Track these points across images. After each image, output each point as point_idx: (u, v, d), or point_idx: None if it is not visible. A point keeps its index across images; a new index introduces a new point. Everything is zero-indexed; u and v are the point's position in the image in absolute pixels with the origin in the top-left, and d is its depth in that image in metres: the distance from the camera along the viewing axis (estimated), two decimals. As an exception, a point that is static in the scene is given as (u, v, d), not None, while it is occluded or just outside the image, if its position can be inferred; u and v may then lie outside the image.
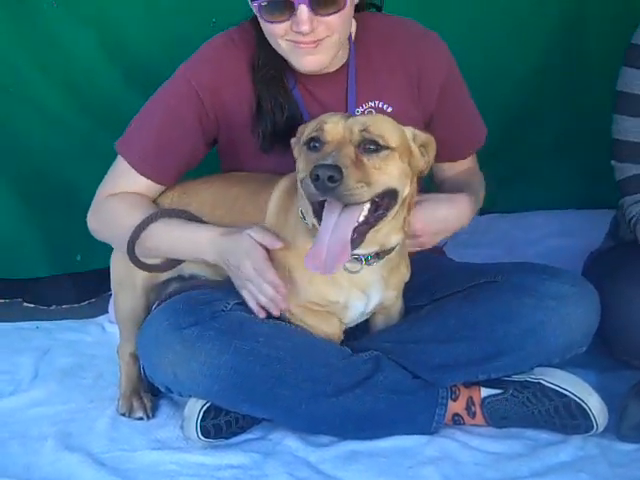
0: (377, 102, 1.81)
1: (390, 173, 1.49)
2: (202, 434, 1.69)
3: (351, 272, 1.59)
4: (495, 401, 1.68)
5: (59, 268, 2.69)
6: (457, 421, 1.71)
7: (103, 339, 2.37)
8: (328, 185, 1.37)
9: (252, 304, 1.64)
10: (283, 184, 1.72)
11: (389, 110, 1.80)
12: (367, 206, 1.47)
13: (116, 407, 1.89)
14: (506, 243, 2.71)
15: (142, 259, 1.78)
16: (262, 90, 1.77)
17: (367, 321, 1.81)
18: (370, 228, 1.50)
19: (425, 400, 1.69)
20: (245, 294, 1.65)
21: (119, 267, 1.90)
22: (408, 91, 1.82)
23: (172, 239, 1.74)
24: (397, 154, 1.51)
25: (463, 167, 1.97)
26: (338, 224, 1.45)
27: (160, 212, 1.78)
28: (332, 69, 1.78)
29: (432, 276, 1.84)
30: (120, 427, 1.83)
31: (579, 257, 2.23)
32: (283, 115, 1.75)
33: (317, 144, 1.50)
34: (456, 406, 1.70)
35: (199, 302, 1.66)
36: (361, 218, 1.47)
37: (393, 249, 1.61)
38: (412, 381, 1.69)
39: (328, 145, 1.48)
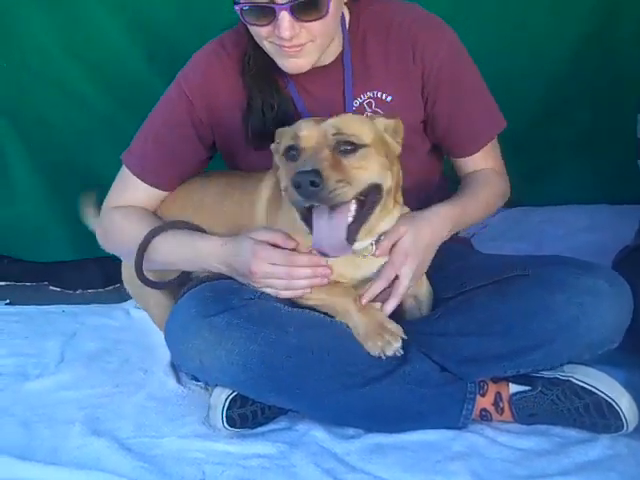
0: (375, 92, 1.78)
1: (370, 169, 1.53)
2: (228, 423, 1.69)
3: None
4: (524, 398, 1.66)
5: (85, 252, 2.70)
6: (485, 416, 1.69)
7: (128, 324, 2.40)
8: (311, 190, 1.42)
9: (284, 294, 1.64)
10: (268, 183, 1.74)
11: (388, 99, 1.78)
12: (353, 206, 1.52)
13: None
14: (535, 237, 2.68)
15: (151, 278, 1.81)
16: (252, 88, 1.77)
17: (396, 312, 1.80)
18: (361, 225, 1.54)
19: (453, 394, 1.67)
20: (270, 291, 1.65)
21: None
22: (407, 78, 1.78)
23: (176, 252, 1.76)
24: (373, 149, 1.54)
25: (479, 165, 1.88)
26: (330, 227, 1.49)
27: (163, 225, 1.78)
28: (326, 62, 1.77)
29: (461, 267, 1.81)
30: (147, 413, 1.83)
31: (608, 253, 2.18)
32: (273, 112, 1.75)
33: (295, 152, 1.53)
34: (484, 401, 1.69)
35: (227, 290, 1.66)
36: (350, 218, 1.51)
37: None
38: (440, 374, 1.68)
39: (305, 152, 1.50)
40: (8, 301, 2.62)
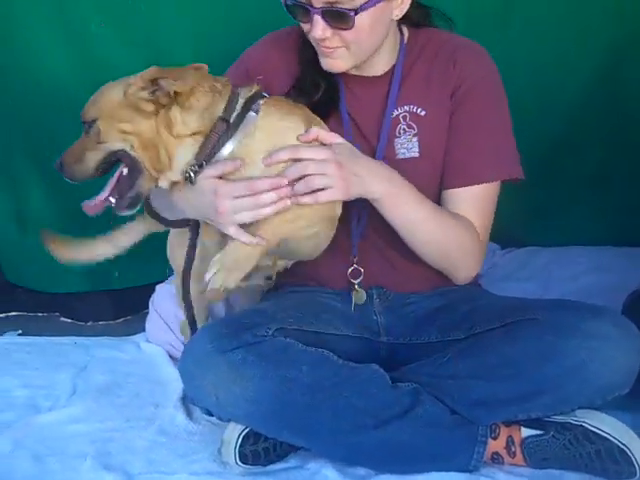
0: (412, 106, 1.83)
1: (101, 140, 1.62)
2: (240, 460, 1.69)
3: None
4: (536, 442, 1.66)
5: (97, 284, 2.72)
6: (496, 460, 1.69)
7: (139, 357, 2.40)
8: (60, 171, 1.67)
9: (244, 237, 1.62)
10: None
11: (422, 114, 1.82)
12: (124, 171, 1.64)
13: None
14: (542, 278, 2.68)
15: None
16: (306, 68, 1.83)
17: (403, 354, 1.82)
18: (128, 185, 1.64)
19: (464, 437, 1.68)
20: (233, 230, 1.62)
21: None
22: (443, 97, 1.82)
23: (161, 201, 1.80)
24: (101, 122, 1.62)
25: (459, 207, 1.80)
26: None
27: None
28: (377, 74, 1.84)
29: (470, 309, 1.82)
30: (158, 449, 1.84)
31: (617, 295, 2.20)
32: (318, 93, 1.81)
33: None
34: (496, 445, 1.68)
35: (241, 326, 1.67)
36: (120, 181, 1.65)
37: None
38: (452, 417, 1.68)
39: None
40: (20, 332, 2.63)
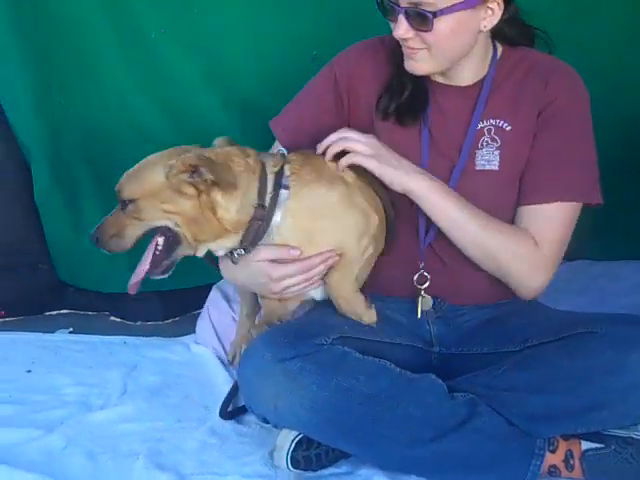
0: (498, 121, 1.81)
1: (145, 219, 1.68)
2: (292, 465, 1.69)
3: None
4: (596, 455, 1.63)
5: (147, 285, 2.73)
6: (553, 473, 1.66)
7: (189, 359, 2.41)
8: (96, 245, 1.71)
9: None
10: None
11: (508, 129, 1.81)
12: (161, 239, 1.70)
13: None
14: (594, 292, 2.64)
15: None
16: (398, 72, 1.84)
17: (455, 364, 1.81)
18: (165, 256, 1.71)
19: (521, 450, 1.65)
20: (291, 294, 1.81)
21: None
22: (531, 118, 1.81)
23: None
24: (143, 202, 1.66)
25: (528, 222, 1.79)
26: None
27: None
28: (464, 84, 1.84)
29: (524, 321, 1.81)
30: (209, 450, 1.84)
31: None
32: (403, 96, 1.83)
33: None
34: (554, 458, 1.66)
35: (299, 335, 1.68)
36: (157, 252, 1.72)
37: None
38: (508, 428, 1.66)
39: None
40: (71, 329, 2.67)
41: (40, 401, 2.09)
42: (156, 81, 2.61)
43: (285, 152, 1.80)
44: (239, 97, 2.65)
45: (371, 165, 1.72)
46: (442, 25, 1.66)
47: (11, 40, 2.56)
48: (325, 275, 1.78)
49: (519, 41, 1.86)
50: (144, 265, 1.73)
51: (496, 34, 1.83)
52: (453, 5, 1.64)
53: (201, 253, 1.75)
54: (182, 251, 1.72)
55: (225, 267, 1.84)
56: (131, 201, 1.68)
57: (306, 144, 1.85)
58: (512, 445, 1.65)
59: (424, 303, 1.85)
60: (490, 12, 1.71)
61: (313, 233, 1.75)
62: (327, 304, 1.92)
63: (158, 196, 1.67)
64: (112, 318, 2.79)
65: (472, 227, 1.75)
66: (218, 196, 1.67)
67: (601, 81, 2.61)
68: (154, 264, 1.73)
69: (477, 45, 1.78)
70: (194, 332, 2.52)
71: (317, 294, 1.87)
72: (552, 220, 1.78)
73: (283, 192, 1.73)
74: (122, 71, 2.59)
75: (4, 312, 2.77)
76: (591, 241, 2.67)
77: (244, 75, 2.64)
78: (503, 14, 1.73)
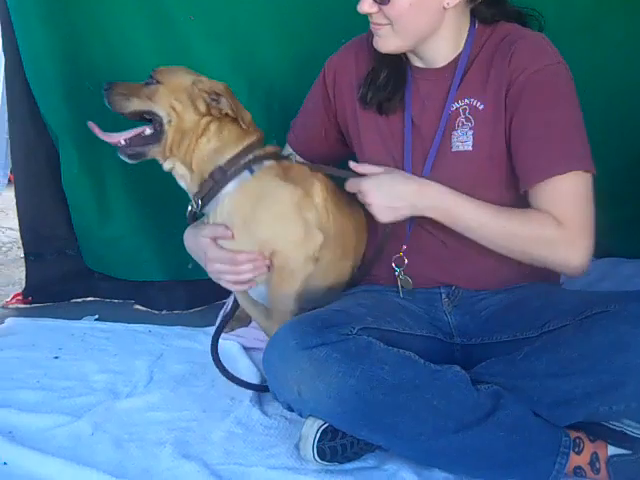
0: (472, 99, 1.82)
1: (152, 99, 1.89)
2: (318, 455, 1.70)
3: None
4: (622, 461, 1.62)
5: (171, 274, 2.76)
6: (578, 473, 1.65)
7: (213, 349, 2.41)
8: (104, 93, 1.91)
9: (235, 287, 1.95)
10: None
11: (481, 107, 1.81)
12: (147, 130, 1.92)
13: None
14: (626, 289, 2.60)
15: None
16: (381, 62, 1.89)
17: (477, 355, 1.80)
18: (142, 143, 1.92)
19: (547, 445, 1.64)
20: (223, 283, 1.94)
21: None
22: (500, 95, 1.79)
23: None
24: (163, 88, 1.89)
25: (540, 203, 1.76)
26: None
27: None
28: (439, 65, 1.85)
29: (542, 306, 1.78)
30: (235, 440, 1.85)
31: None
32: (387, 84, 1.88)
33: None
34: (579, 459, 1.65)
35: (325, 324, 1.68)
36: (140, 135, 1.92)
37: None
38: (533, 421, 1.65)
39: None
40: (97, 316, 2.69)
41: (68, 387, 2.11)
42: (185, 65, 2.60)
43: (295, 156, 2.01)
44: (265, 84, 2.66)
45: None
46: (400, 2, 1.71)
47: (39, 26, 2.58)
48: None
49: (498, 19, 1.85)
50: (123, 136, 1.93)
51: (475, 13, 1.83)
52: None
53: (167, 166, 1.96)
54: (154, 151, 1.93)
55: (186, 235, 2.03)
56: (157, 82, 1.90)
57: (318, 148, 2.07)
58: (537, 440, 1.64)
59: (404, 282, 1.90)
60: None
61: (250, 222, 1.89)
62: (348, 295, 1.95)
63: (176, 93, 1.89)
64: (137, 307, 2.80)
65: (492, 230, 1.77)
66: (214, 126, 1.91)
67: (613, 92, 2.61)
68: (130, 141, 1.93)
69: (445, 23, 1.79)
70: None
71: (254, 294, 2.03)
72: (562, 195, 1.74)
73: (246, 173, 1.90)
74: (150, 57, 2.59)
75: (31, 298, 2.80)
76: (622, 238, 2.68)
77: (271, 62, 2.65)
78: None
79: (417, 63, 1.88)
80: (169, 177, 2.67)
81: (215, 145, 1.91)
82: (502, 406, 1.65)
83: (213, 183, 1.90)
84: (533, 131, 1.76)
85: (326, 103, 2.04)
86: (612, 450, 1.64)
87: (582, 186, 1.76)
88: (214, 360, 2.10)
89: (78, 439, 1.83)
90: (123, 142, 1.92)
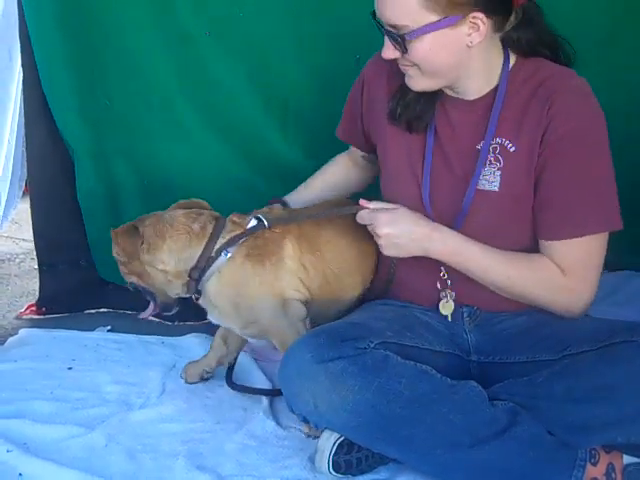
0: (504, 140, 1.77)
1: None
2: (333, 468, 1.70)
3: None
4: (638, 470, 1.62)
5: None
6: (596, 485, 1.66)
7: (225, 360, 2.41)
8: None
9: None
10: None
11: (512, 149, 1.76)
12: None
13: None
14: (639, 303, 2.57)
15: None
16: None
17: (494, 373, 1.80)
18: (155, 301, 2.10)
19: (562, 460, 1.64)
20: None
21: None
22: (534, 141, 1.74)
23: None
24: (125, 268, 2.08)
25: (551, 253, 1.75)
26: None
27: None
28: (470, 98, 1.81)
29: (562, 330, 1.78)
30: (249, 452, 1.85)
31: None
32: (416, 103, 1.84)
33: None
34: (595, 471, 1.64)
35: (342, 337, 1.68)
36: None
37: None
38: (549, 438, 1.65)
39: None
40: (110, 327, 2.69)
41: (81, 398, 2.11)
42: (199, 82, 2.62)
43: (264, 220, 1.96)
44: (281, 99, 2.66)
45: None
46: (418, 46, 1.67)
47: (56, 40, 2.58)
48: None
49: (535, 50, 1.79)
50: (148, 313, 2.14)
51: (507, 42, 1.78)
52: (425, 26, 1.64)
53: (173, 294, 2.06)
54: (162, 298, 2.07)
55: None
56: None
57: (362, 141, 2.08)
58: (553, 455, 1.64)
59: (445, 308, 1.88)
60: (475, 27, 1.66)
61: (234, 304, 1.97)
62: (368, 308, 1.96)
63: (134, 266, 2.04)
64: (151, 318, 2.79)
65: (498, 276, 1.78)
66: (146, 256, 1.98)
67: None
68: (155, 312, 2.12)
69: (474, 59, 1.73)
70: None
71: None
72: (578, 252, 1.74)
73: (222, 258, 1.95)
74: (166, 72, 2.61)
75: (45, 309, 2.80)
76: (634, 251, 2.66)
77: (287, 78, 2.65)
78: (502, 23, 1.71)
79: (449, 92, 1.83)
80: (183, 191, 2.71)
81: (173, 262, 1.98)
82: (519, 422, 1.65)
83: (192, 282, 1.98)
84: (568, 186, 1.72)
85: (359, 106, 2.03)
86: (627, 459, 1.64)
87: (600, 244, 1.75)
88: (228, 384, 2.18)
89: (92, 450, 1.84)
90: (150, 317, 2.17)
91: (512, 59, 1.79)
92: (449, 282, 1.87)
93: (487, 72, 1.78)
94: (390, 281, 1.98)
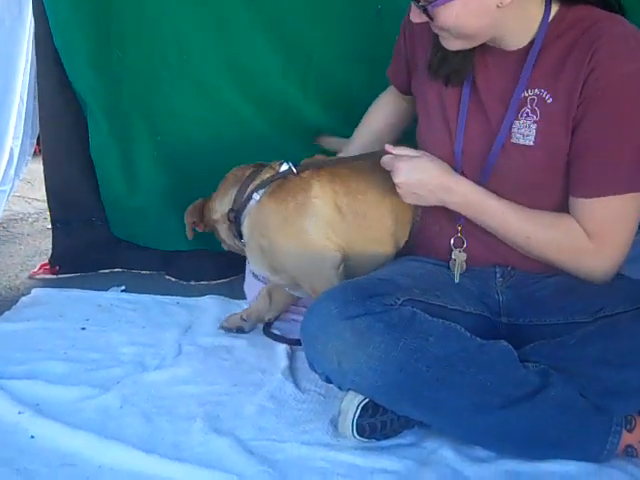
0: (542, 91, 1.65)
1: None
2: (357, 432, 1.63)
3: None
4: (676, 437, 1.55)
5: (199, 244, 2.69)
6: (630, 453, 1.58)
7: (242, 322, 2.35)
8: None
9: None
10: None
11: (549, 101, 1.64)
12: None
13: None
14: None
15: None
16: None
17: (524, 335, 1.72)
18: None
19: (597, 425, 1.57)
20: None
21: None
22: (574, 92, 1.62)
23: None
24: None
25: (578, 214, 1.66)
26: None
27: None
28: (510, 48, 1.70)
29: (597, 291, 1.69)
30: (267, 416, 1.79)
31: None
32: (454, 55, 1.73)
33: None
34: (631, 437, 1.57)
35: (369, 293, 1.61)
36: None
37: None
38: (583, 402, 1.57)
39: None
40: (124, 287, 2.64)
41: (95, 359, 2.06)
42: (217, 36, 2.51)
43: (293, 168, 1.96)
44: (300, 53, 2.55)
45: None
46: (445, 13, 1.58)
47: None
48: None
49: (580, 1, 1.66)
50: None
51: None
52: None
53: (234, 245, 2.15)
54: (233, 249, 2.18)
55: None
56: None
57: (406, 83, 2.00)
58: (588, 419, 1.57)
59: (458, 266, 1.81)
60: None
61: (263, 245, 1.95)
62: (397, 263, 1.89)
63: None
64: (167, 277, 2.75)
65: (518, 234, 1.72)
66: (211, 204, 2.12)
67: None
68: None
69: (508, 18, 1.61)
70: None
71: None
72: (607, 214, 1.63)
73: (252, 201, 1.98)
74: (183, 25, 2.49)
75: (58, 267, 2.75)
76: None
77: (304, 31, 2.53)
78: None
79: (489, 43, 1.71)
80: (198, 146, 2.64)
81: (216, 205, 2.11)
82: (551, 384, 1.57)
83: (229, 224, 2.05)
84: (603, 142, 1.60)
85: (403, 47, 1.95)
86: (665, 428, 1.56)
87: (633, 207, 1.64)
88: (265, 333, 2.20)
89: (106, 412, 1.79)
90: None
91: (554, 9, 1.67)
92: (465, 242, 1.81)
93: (525, 26, 1.67)
94: (415, 234, 1.92)
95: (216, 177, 2.28)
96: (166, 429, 1.73)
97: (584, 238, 1.65)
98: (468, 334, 1.62)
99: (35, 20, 2.57)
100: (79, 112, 2.66)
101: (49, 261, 2.78)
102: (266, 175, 1.99)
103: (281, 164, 2.00)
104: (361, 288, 1.63)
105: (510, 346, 1.63)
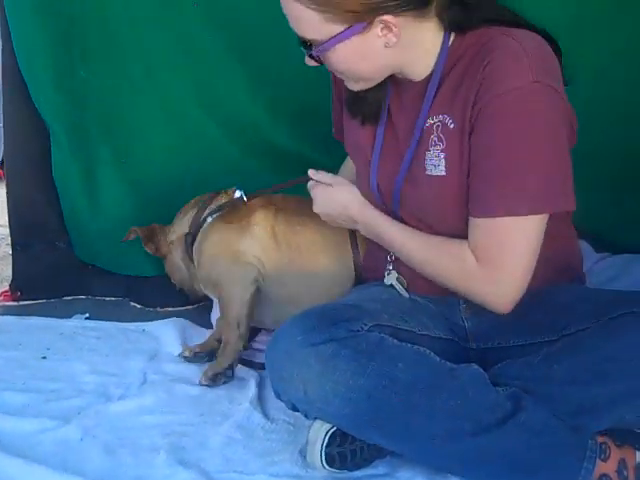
0: (445, 116, 1.61)
1: None
2: (326, 462, 1.58)
3: None
4: (652, 468, 1.51)
5: (164, 269, 2.64)
6: (605, 481, 1.55)
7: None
8: None
9: None
10: None
11: (451, 126, 1.59)
12: None
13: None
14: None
15: None
16: None
17: (493, 358, 1.68)
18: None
19: (573, 449, 1.53)
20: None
21: None
22: (467, 108, 1.57)
23: None
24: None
25: (473, 235, 1.58)
26: None
27: None
28: (416, 79, 1.66)
29: (561, 306, 1.65)
30: (235, 446, 1.73)
31: None
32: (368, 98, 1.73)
33: None
34: (606, 467, 1.53)
35: (334, 319, 1.56)
36: None
37: None
38: (557, 424, 1.53)
39: None
40: (87, 315, 2.57)
41: (55, 389, 1.99)
42: (183, 56, 2.49)
43: (244, 196, 2.12)
44: (265, 73, 2.53)
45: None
46: (332, 57, 1.56)
47: (32, 10, 2.45)
48: None
49: (474, 25, 1.60)
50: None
51: (445, 20, 1.60)
52: (331, 38, 1.52)
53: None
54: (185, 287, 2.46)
55: None
56: None
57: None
58: (563, 443, 1.52)
59: (389, 278, 1.81)
60: (387, 29, 1.52)
61: (198, 263, 2.21)
62: (363, 288, 1.87)
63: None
64: (132, 304, 2.69)
65: (413, 257, 1.72)
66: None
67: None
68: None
69: (401, 54, 1.58)
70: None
71: None
72: (488, 236, 1.56)
73: (205, 224, 2.20)
74: (149, 44, 2.48)
75: (20, 293, 2.68)
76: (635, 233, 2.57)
77: (269, 51, 2.51)
78: (423, 12, 1.54)
79: (398, 76, 1.68)
80: (164, 170, 2.60)
81: (174, 228, 2.35)
82: (523, 408, 1.53)
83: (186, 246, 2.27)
84: (488, 161, 1.55)
85: (336, 102, 1.95)
86: (640, 457, 1.52)
87: (518, 231, 1.55)
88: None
89: (66, 445, 1.72)
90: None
91: (453, 34, 1.63)
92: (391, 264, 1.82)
93: (423, 57, 1.63)
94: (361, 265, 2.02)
95: (181, 201, 2.25)
96: (129, 462, 1.67)
97: (472, 263, 1.59)
98: (438, 359, 1.57)
99: (3, 40, 2.52)
100: (45, 134, 2.61)
101: (9, 287, 2.71)
102: (222, 200, 2.20)
103: (234, 191, 2.14)
104: (325, 314, 1.58)
105: (481, 369, 1.59)
